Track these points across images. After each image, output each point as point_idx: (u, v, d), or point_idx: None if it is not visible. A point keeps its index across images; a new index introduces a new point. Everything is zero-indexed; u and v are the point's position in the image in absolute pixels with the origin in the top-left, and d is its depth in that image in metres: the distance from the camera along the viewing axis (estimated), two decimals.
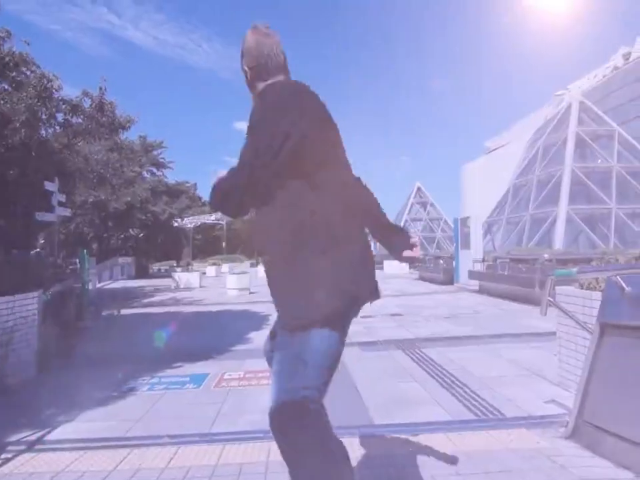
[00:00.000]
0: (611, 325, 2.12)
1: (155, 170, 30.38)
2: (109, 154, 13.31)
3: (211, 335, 6.33)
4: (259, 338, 5.73)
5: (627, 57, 21.64)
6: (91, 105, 8.81)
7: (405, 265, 19.33)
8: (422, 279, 14.64)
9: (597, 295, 2.80)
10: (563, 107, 12.57)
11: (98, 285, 19.48)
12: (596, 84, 22.81)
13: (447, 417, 2.82)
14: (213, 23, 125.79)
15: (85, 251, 9.54)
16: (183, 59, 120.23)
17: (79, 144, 10.18)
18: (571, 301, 2.75)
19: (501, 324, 6.10)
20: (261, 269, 21.69)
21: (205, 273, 25.92)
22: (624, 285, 2.07)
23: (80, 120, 9.16)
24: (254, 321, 7.34)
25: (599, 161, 10.80)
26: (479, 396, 3.16)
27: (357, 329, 6.10)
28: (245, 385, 3.65)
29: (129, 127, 9.58)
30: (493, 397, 3.14)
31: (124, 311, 9.64)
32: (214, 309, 9.35)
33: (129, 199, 23.68)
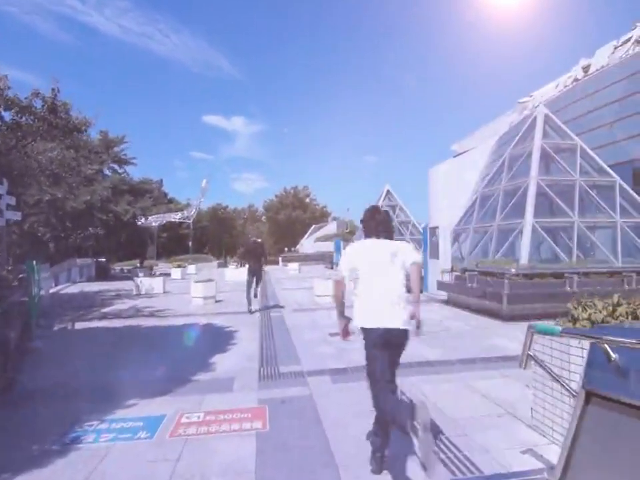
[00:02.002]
0: (597, 395, 1.98)
1: (117, 167, 29.07)
2: (64, 152, 12.49)
3: (171, 358, 5.91)
4: (222, 364, 5.43)
5: (586, 69, 22.53)
6: (42, 106, 8.16)
7: None
8: None
9: (575, 343, 2.70)
10: (528, 118, 12.84)
11: (54, 289, 18.38)
12: (558, 93, 23.65)
13: (421, 475, 2.64)
14: (181, 15, 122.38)
15: (35, 261, 8.87)
16: (150, 49, 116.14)
17: (30, 145, 9.45)
18: (547, 351, 2.62)
19: (471, 344, 6.05)
20: (228, 271, 21.32)
21: (169, 274, 25.06)
22: (611, 352, 1.94)
23: (30, 121, 8.48)
24: (218, 339, 7.01)
25: (562, 173, 11.09)
26: (453, 445, 3.01)
27: (327, 350, 5.89)
28: (204, 432, 3.34)
29: (85, 129, 8.97)
30: (468, 445, 2.99)
31: (79, 324, 9.05)
32: (176, 322, 8.89)
33: (89, 197, 22.52)
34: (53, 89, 8.33)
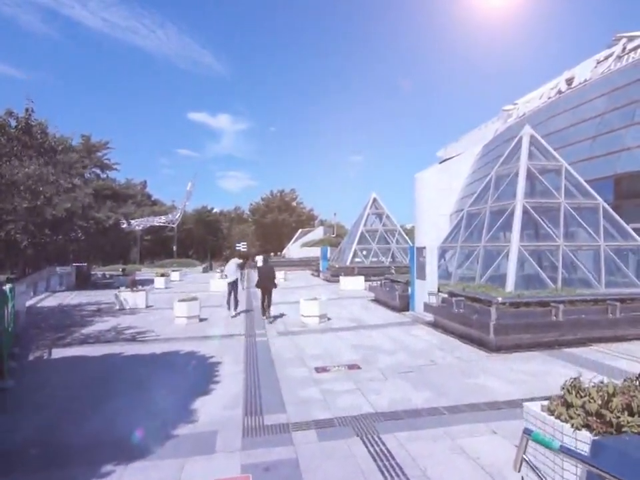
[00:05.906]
0: None
1: (99, 171, 28.35)
2: (42, 168, 12.07)
3: (149, 402, 5.67)
4: (204, 411, 5.23)
5: (569, 81, 22.84)
6: (16, 127, 7.82)
7: (361, 281, 19.32)
8: (377, 301, 14.58)
9: (569, 460, 2.57)
10: (513, 127, 12.92)
11: (32, 301, 17.80)
12: (541, 105, 23.95)
13: None
14: (167, 10, 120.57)
15: (9, 286, 8.52)
16: (135, 44, 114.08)
17: (5, 164, 9.07)
18: (539, 457, 2.53)
19: (457, 385, 5.98)
20: (213, 280, 21.02)
21: (152, 281, 24.56)
22: None
23: (4, 140, 8.13)
24: (202, 373, 6.82)
25: (547, 195, 11.16)
26: None
27: (312, 393, 5.74)
28: None
29: (62, 149, 8.64)
30: None
31: (56, 352, 8.71)
32: (157, 348, 8.64)
33: (69, 205, 21.90)
34: (27, 109, 8.01)
